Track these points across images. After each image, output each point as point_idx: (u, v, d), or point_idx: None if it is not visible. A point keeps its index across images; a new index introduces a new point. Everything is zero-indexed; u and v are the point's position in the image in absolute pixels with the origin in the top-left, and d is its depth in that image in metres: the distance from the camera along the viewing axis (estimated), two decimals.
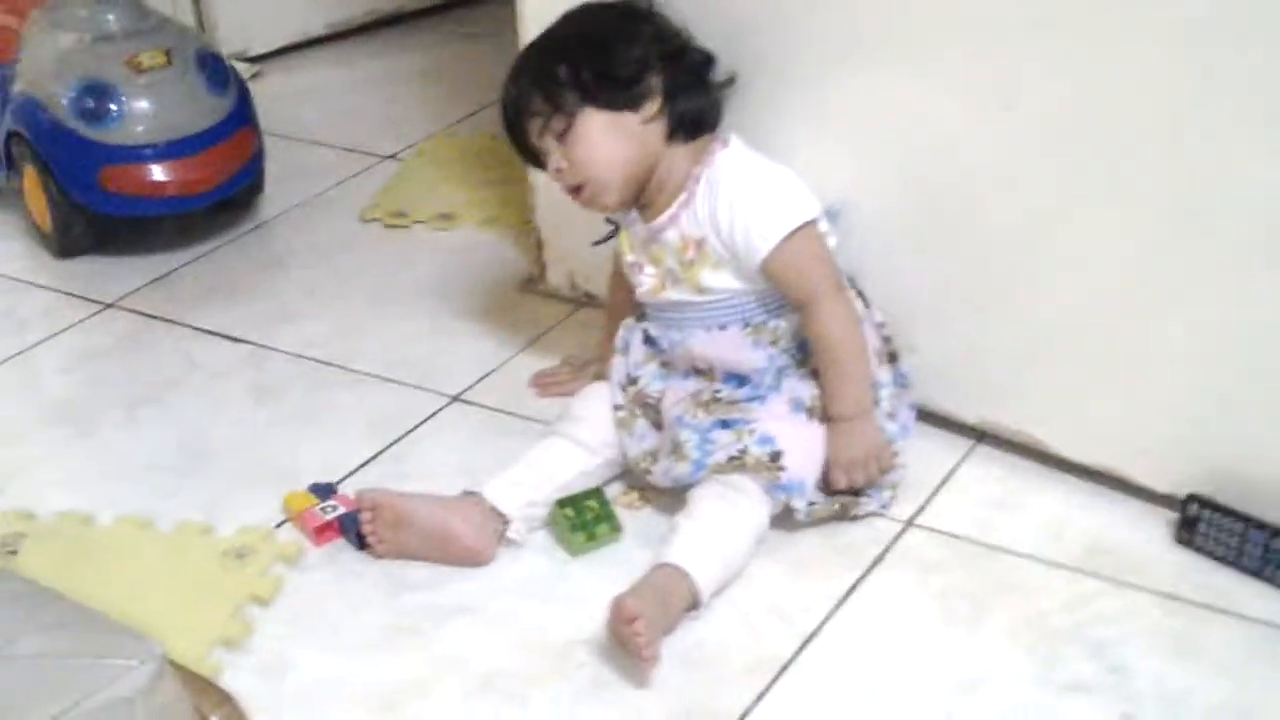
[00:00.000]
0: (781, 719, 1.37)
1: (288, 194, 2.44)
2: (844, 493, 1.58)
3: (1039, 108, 1.52)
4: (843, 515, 1.59)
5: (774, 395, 1.59)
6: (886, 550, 1.57)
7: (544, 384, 1.87)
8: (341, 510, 1.64)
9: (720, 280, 1.58)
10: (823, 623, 1.47)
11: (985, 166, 1.58)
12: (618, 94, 1.55)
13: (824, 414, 1.58)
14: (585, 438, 1.65)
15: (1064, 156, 1.52)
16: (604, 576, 1.55)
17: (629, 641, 1.38)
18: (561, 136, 1.55)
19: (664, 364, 1.67)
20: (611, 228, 1.68)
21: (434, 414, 1.85)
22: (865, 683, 1.40)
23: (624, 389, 1.68)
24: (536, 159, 1.62)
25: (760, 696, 1.39)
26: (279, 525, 1.67)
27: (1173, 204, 1.47)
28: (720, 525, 1.51)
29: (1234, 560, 1.49)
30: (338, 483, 1.71)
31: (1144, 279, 1.52)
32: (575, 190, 1.59)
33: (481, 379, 1.92)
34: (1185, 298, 1.50)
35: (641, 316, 1.71)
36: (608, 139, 1.55)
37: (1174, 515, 1.56)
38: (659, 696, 1.40)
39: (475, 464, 1.73)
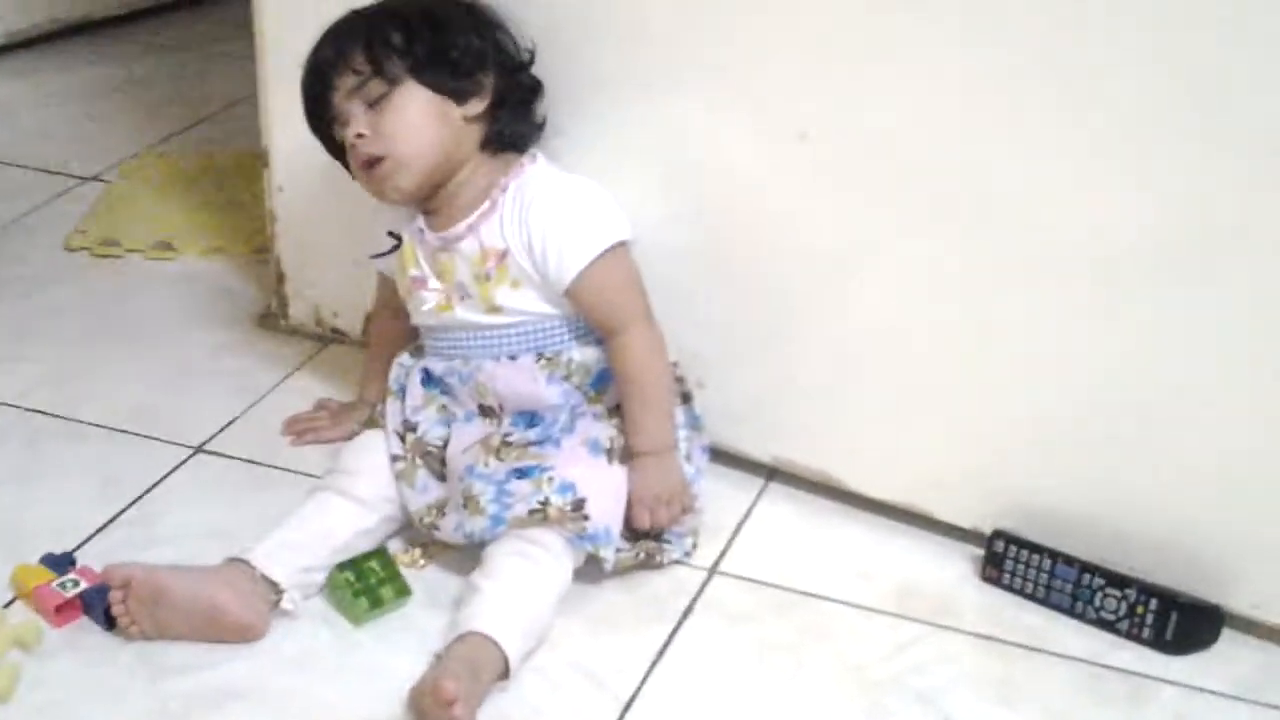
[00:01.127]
0: None
1: None
2: (646, 537, 1.49)
3: (833, 139, 1.46)
4: (648, 563, 1.49)
5: (568, 437, 1.49)
6: (694, 601, 1.48)
7: (299, 430, 1.72)
8: (84, 585, 1.45)
9: (516, 300, 1.48)
10: (640, 685, 1.37)
11: (778, 199, 1.52)
12: (447, 78, 1.45)
13: (625, 451, 1.49)
14: (361, 492, 1.51)
15: (857, 189, 1.47)
16: (394, 645, 1.42)
17: None
18: (375, 103, 1.44)
19: (443, 408, 1.54)
20: (394, 241, 1.55)
21: (175, 468, 1.67)
22: None
23: (401, 436, 1.54)
24: (325, 126, 1.49)
25: None
26: (7, 605, 1.47)
27: (968, 236, 1.44)
28: (524, 585, 1.40)
29: (1043, 598, 1.47)
30: (73, 551, 1.52)
31: (938, 313, 1.48)
32: (370, 163, 1.46)
33: (225, 427, 1.75)
34: (983, 332, 1.47)
35: (418, 352, 1.58)
36: (424, 119, 1.44)
37: (979, 551, 1.53)
38: None
39: (229, 524, 1.57)
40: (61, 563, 1.49)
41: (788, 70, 1.46)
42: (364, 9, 1.50)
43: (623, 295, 1.48)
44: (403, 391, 1.57)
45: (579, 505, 1.43)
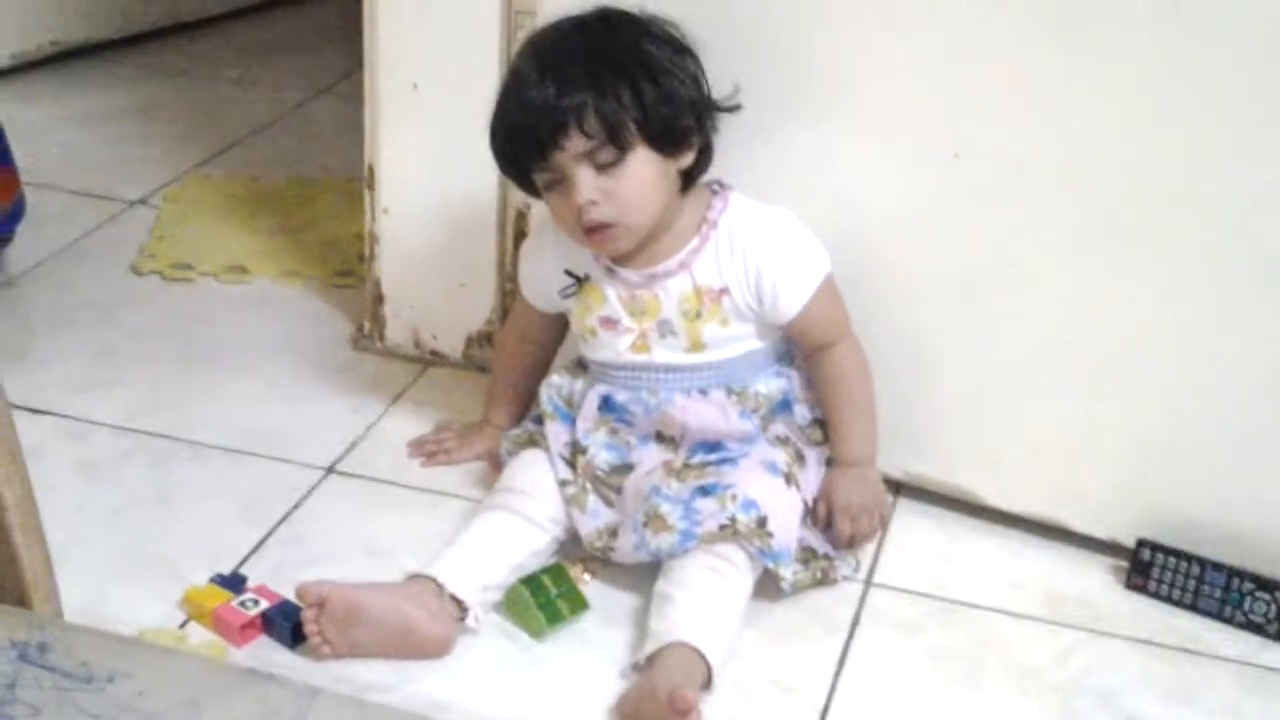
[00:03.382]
0: None
1: (30, 245, 2.16)
2: (817, 557, 1.53)
3: (985, 159, 1.52)
4: (822, 581, 1.53)
5: (744, 459, 1.52)
6: (858, 612, 1.52)
7: (429, 452, 1.73)
8: (265, 604, 1.45)
9: (722, 337, 1.50)
10: (831, 693, 1.41)
11: (919, 219, 1.57)
12: (671, 139, 1.43)
13: (831, 458, 1.55)
14: (533, 513, 1.52)
15: (1006, 208, 1.53)
16: (579, 658, 1.44)
17: None
18: (606, 169, 1.41)
19: (614, 432, 1.56)
20: (572, 280, 1.55)
21: (313, 488, 1.68)
22: None
23: (569, 461, 1.56)
24: (524, 173, 1.47)
25: None
26: (182, 625, 1.46)
27: (1113, 253, 1.50)
28: (717, 598, 1.43)
29: (1190, 603, 1.54)
30: (235, 569, 1.52)
31: (1078, 329, 1.54)
32: (597, 229, 1.44)
33: (351, 448, 1.75)
34: (1118, 343, 1.53)
35: (577, 374, 1.60)
36: (654, 185, 1.43)
37: (1114, 561, 1.59)
38: None
39: (380, 541, 1.59)
40: (235, 583, 1.49)
41: (939, 89, 1.51)
42: (568, 41, 1.44)
43: (836, 315, 1.53)
44: (560, 413, 1.58)
45: (762, 522, 1.46)
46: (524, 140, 1.43)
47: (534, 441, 1.59)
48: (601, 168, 1.41)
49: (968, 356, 1.60)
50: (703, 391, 1.52)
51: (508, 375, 1.71)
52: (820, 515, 1.54)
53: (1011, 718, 1.40)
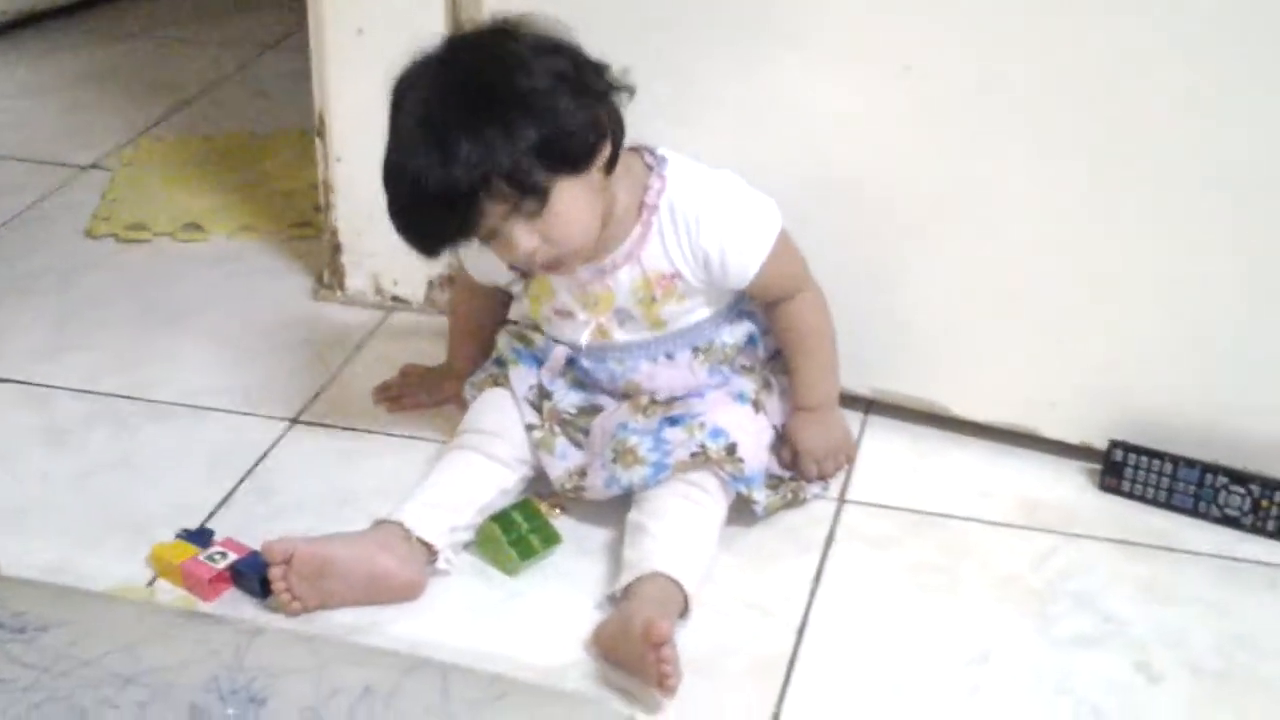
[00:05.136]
0: (811, 717, 1.29)
1: None
2: (787, 480, 1.52)
3: (935, 71, 1.50)
4: (794, 503, 1.52)
5: (711, 390, 1.51)
6: (832, 530, 1.51)
7: (394, 397, 1.71)
8: (233, 557, 1.44)
9: (683, 311, 1.48)
10: (806, 611, 1.40)
11: (879, 135, 1.55)
12: (581, 155, 1.34)
13: (793, 403, 1.53)
14: (501, 453, 1.51)
15: (964, 118, 1.51)
16: (554, 592, 1.43)
17: (652, 669, 1.26)
18: (534, 215, 1.34)
19: (578, 382, 1.55)
20: (517, 273, 1.51)
21: (278, 440, 1.66)
22: (877, 668, 1.34)
23: (536, 405, 1.54)
24: (444, 242, 1.39)
25: (781, 698, 1.31)
26: (150, 583, 1.44)
27: (1076, 161, 1.48)
28: (692, 526, 1.42)
29: (1164, 501, 1.53)
30: (202, 524, 1.51)
31: (1043, 236, 1.53)
32: (550, 265, 1.39)
33: (315, 397, 1.74)
34: (1083, 252, 1.52)
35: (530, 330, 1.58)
36: (585, 205, 1.36)
37: (1087, 465, 1.59)
38: (676, 716, 1.29)
39: (348, 489, 1.58)
40: (201, 537, 1.47)
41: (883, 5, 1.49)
42: (442, 90, 1.33)
43: (791, 270, 1.49)
44: (522, 356, 1.56)
45: (732, 449, 1.45)
46: (435, 231, 1.36)
47: (497, 382, 1.57)
48: (530, 215, 1.34)
49: (933, 270, 1.59)
50: (669, 356, 1.50)
51: (464, 323, 1.69)
52: (785, 459, 1.53)
53: (990, 624, 1.39)
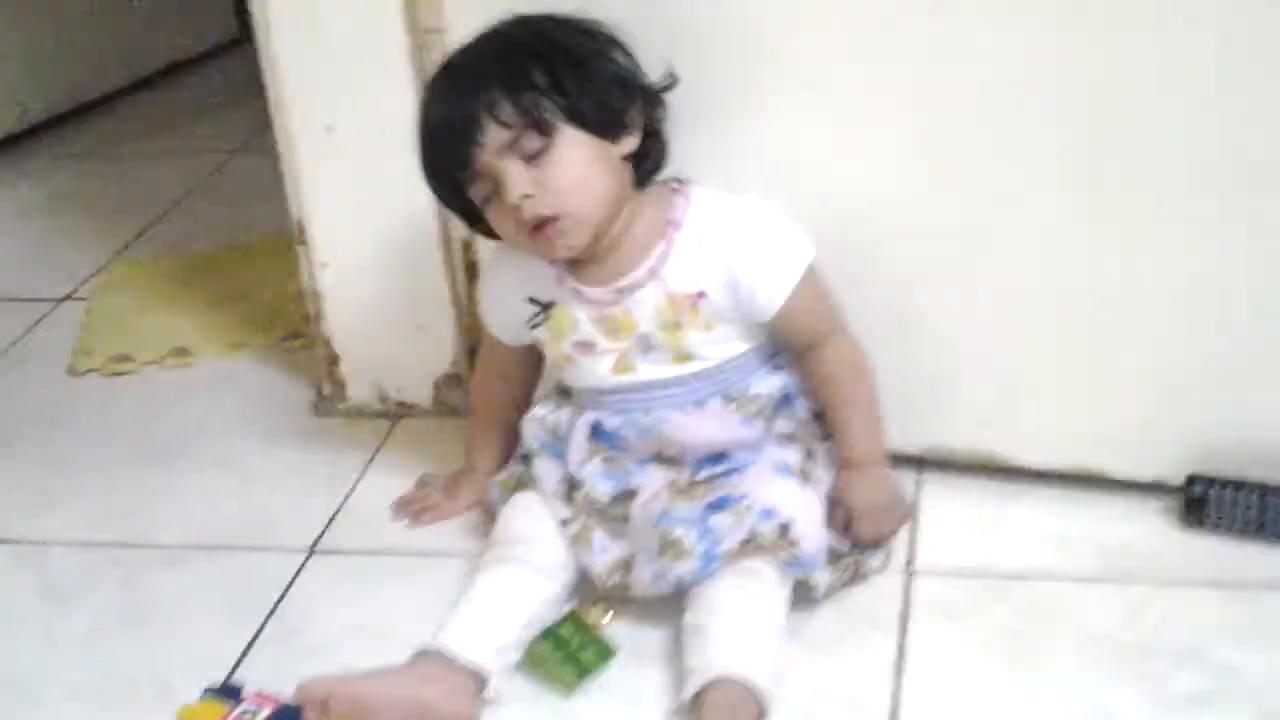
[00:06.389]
0: None
1: None
2: (847, 553, 1.41)
3: (948, 107, 1.40)
4: (856, 579, 1.42)
5: (753, 466, 1.40)
6: (905, 605, 1.41)
7: (416, 511, 1.60)
8: (268, 711, 1.32)
9: (709, 343, 1.38)
10: (895, 700, 1.29)
11: (894, 180, 1.45)
12: (603, 118, 1.31)
13: (839, 460, 1.42)
14: (540, 561, 1.40)
15: (981, 151, 1.41)
16: (616, 710, 1.32)
17: None
18: (534, 158, 1.29)
19: (609, 459, 1.44)
20: (538, 308, 1.42)
21: (298, 573, 1.55)
22: None
23: (566, 498, 1.44)
24: (461, 193, 1.34)
25: None
26: None
27: (1100, 178, 1.38)
28: (753, 620, 1.31)
29: (1255, 532, 1.43)
30: (228, 677, 1.39)
31: (1078, 265, 1.43)
32: (541, 225, 1.31)
33: (331, 521, 1.63)
34: (1130, 276, 1.42)
35: (561, 403, 1.47)
36: (591, 168, 1.30)
37: (1164, 503, 1.48)
38: None
39: (379, 619, 1.46)
40: (231, 693, 1.36)
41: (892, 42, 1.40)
42: (477, 46, 1.35)
43: (823, 308, 1.40)
44: (548, 449, 1.46)
45: (784, 529, 1.35)
46: (442, 148, 1.32)
47: (524, 484, 1.47)
48: (530, 158, 1.29)
49: (968, 315, 1.49)
50: (698, 404, 1.39)
51: (486, 416, 1.59)
52: (839, 522, 1.42)
53: (1095, 692, 1.28)
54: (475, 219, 1.38)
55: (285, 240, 2.04)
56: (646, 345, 1.38)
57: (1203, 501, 1.44)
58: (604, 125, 1.31)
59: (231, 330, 2.04)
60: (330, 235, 1.74)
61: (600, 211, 1.32)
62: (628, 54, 1.35)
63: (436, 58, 1.44)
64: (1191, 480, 1.45)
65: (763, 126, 1.45)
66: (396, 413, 1.81)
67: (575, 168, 1.30)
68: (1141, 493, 1.50)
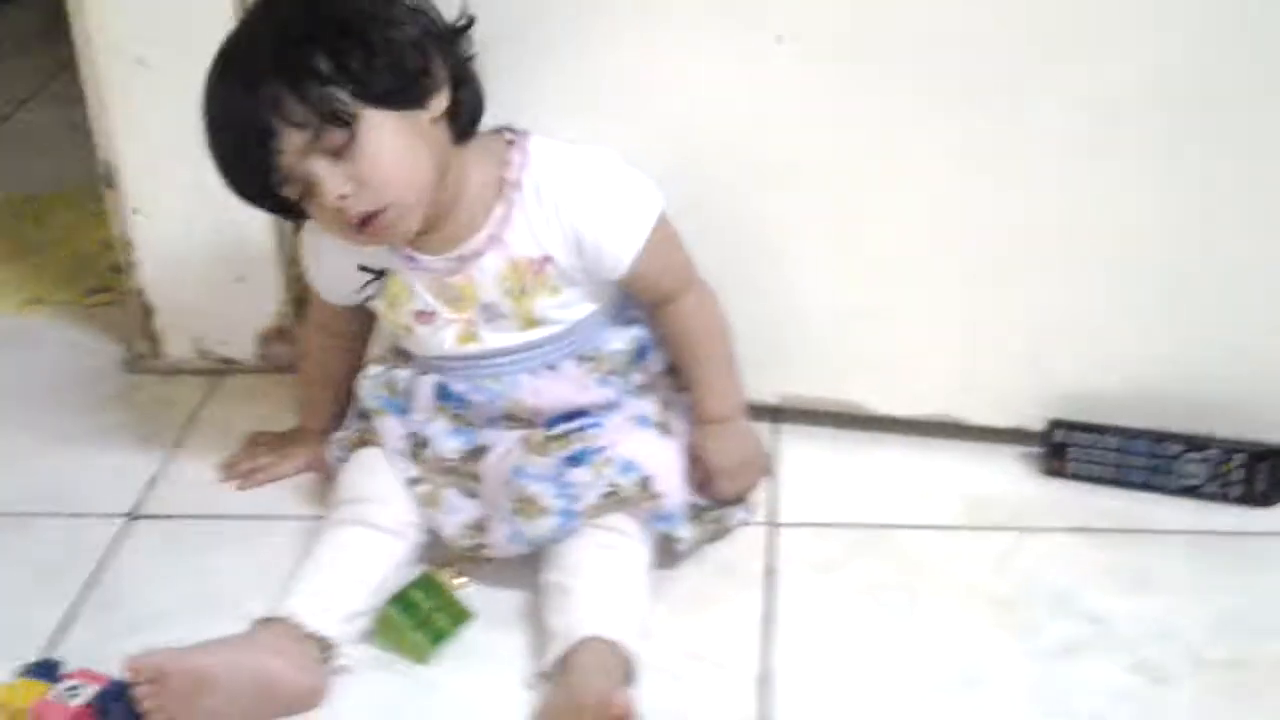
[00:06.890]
0: None
1: None
2: (709, 508, 1.35)
3: (809, 40, 1.35)
4: (718, 535, 1.36)
5: (610, 417, 1.33)
6: (772, 559, 1.36)
7: (245, 472, 1.50)
8: (92, 689, 1.21)
9: (556, 307, 1.29)
10: (765, 658, 1.24)
11: (758, 113, 1.40)
12: (403, 88, 1.19)
13: (696, 416, 1.36)
14: (386, 521, 1.31)
15: (844, 86, 1.36)
16: (475, 677, 1.25)
17: None
18: (340, 152, 1.17)
19: (455, 417, 1.35)
20: (370, 275, 1.32)
21: (117, 541, 1.43)
22: (857, 711, 1.19)
23: (414, 455, 1.35)
24: (273, 196, 1.21)
25: None
26: None
27: (969, 127, 1.34)
28: (618, 578, 1.25)
29: (1114, 478, 1.41)
30: (44, 656, 1.27)
31: (941, 206, 1.39)
32: (366, 220, 1.20)
33: (151, 485, 1.51)
34: (990, 223, 1.38)
35: (397, 362, 1.38)
36: (405, 147, 1.18)
37: (1025, 449, 1.46)
38: None
39: (211, 588, 1.37)
40: (47, 670, 1.24)
41: None
42: (249, 30, 1.22)
43: (675, 261, 1.32)
44: (389, 405, 1.37)
45: (646, 483, 1.29)
46: (237, 161, 1.20)
47: (366, 441, 1.38)
48: (336, 154, 1.17)
49: (826, 256, 1.44)
50: (551, 367, 1.32)
51: (318, 373, 1.49)
52: (696, 479, 1.36)
53: (968, 642, 1.25)
54: (292, 212, 1.25)
55: (84, 192, 1.91)
56: (491, 314, 1.29)
57: (1063, 447, 1.42)
58: (406, 96, 1.19)
59: (29, 285, 1.89)
60: (143, 178, 1.61)
61: (427, 190, 1.22)
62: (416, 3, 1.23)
63: None
64: (1052, 425, 1.43)
65: (611, 58, 1.38)
66: (219, 369, 1.70)
67: (388, 153, 1.18)
68: (1003, 440, 1.47)
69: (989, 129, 1.35)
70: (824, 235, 1.43)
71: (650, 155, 1.36)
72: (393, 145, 1.18)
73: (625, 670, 1.18)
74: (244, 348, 1.69)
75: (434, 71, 1.21)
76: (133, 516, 1.46)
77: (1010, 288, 1.41)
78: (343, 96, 1.16)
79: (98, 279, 1.87)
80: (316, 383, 1.49)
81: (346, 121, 1.16)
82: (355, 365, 1.44)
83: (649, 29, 1.37)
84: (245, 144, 1.18)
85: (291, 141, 1.16)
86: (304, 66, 1.15)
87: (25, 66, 2.67)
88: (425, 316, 1.31)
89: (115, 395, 1.67)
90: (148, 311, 1.69)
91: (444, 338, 1.31)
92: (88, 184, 1.76)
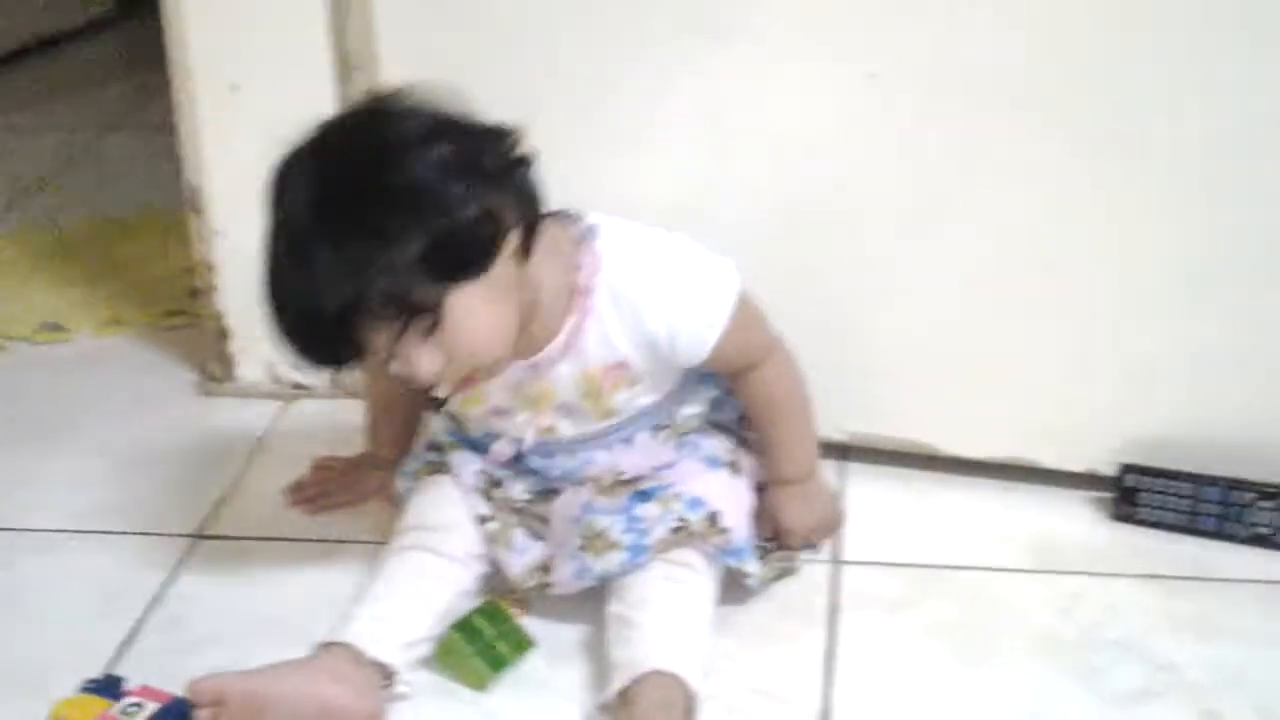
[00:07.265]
0: None
1: None
2: (772, 550, 1.35)
3: (899, 79, 1.35)
4: (786, 573, 1.36)
5: (682, 461, 1.33)
6: (835, 596, 1.34)
7: (311, 497, 1.50)
8: (153, 707, 1.22)
9: (636, 395, 1.28)
10: (826, 695, 1.23)
11: (839, 152, 1.39)
12: (479, 257, 1.13)
13: (770, 477, 1.35)
14: (453, 549, 1.31)
15: (930, 132, 1.36)
16: (534, 707, 1.24)
17: None
18: (429, 333, 1.13)
19: (530, 472, 1.35)
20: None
21: (182, 561, 1.44)
22: None
23: (486, 494, 1.35)
24: (352, 364, 1.19)
25: None
26: None
27: (1050, 167, 1.34)
28: (683, 612, 1.24)
29: (1186, 525, 1.39)
30: (107, 672, 1.28)
31: (1019, 251, 1.39)
32: (461, 386, 1.23)
33: (218, 507, 1.52)
34: (1071, 263, 1.38)
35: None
36: (492, 312, 1.15)
37: (1096, 494, 1.44)
38: None
39: (273, 610, 1.37)
40: (111, 687, 1.25)
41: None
42: (311, 204, 1.12)
43: (753, 338, 1.29)
44: (463, 441, 1.37)
45: (714, 518, 1.28)
46: (320, 359, 1.18)
47: (437, 470, 1.38)
48: (425, 334, 1.13)
49: (905, 298, 1.44)
50: (626, 441, 1.31)
51: (384, 402, 1.49)
52: (767, 530, 1.35)
53: (1033, 686, 1.23)
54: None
55: (166, 215, 1.94)
56: (569, 411, 1.28)
57: (1135, 492, 1.40)
58: (485, 259, 1.13)
59: (109, 306, 1.92)
60: (229, 201, 1.63)
61: (511, 337, 1.19)
62: (470, 138, 1.14)
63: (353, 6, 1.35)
64: (1125, 470, 1.41)
65: (691, 93, 1.39)
66: (290, 394, 1.71)
67: (476, 323, 1.14)
68: (1074, 484, 1.46)
69: (1070, 178, 1.34)
70: (896, 275, 1.43)
71: (714, 197, 1.37)
72: (479, 315, 1.14)
73: (686, 705, 1.17)
74: (316, 373, 1.70)
75: (504, 217, 1.15)
76: (199, 537, 1.48)
77: (1085, 332, 1.40)
78: (425, 288, 1.11)
79: (175, 302, 1.90)
80: (384, 410, 1.49)
81: (433, 306, 1.12)
82: (423, 406, 1.45)
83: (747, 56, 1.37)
84: (325, 342, 1.15)
85: (380, 338, 1.13)
86: (383, 263, 1.09)
87: (113, 93, 2.72)
88: (502, 413, 1.30)
89: (188, 417, 1.69)
90: (223, 335, 1.70)
91: (522, 430, 1.30)
92: (167, 209, 1.79)
